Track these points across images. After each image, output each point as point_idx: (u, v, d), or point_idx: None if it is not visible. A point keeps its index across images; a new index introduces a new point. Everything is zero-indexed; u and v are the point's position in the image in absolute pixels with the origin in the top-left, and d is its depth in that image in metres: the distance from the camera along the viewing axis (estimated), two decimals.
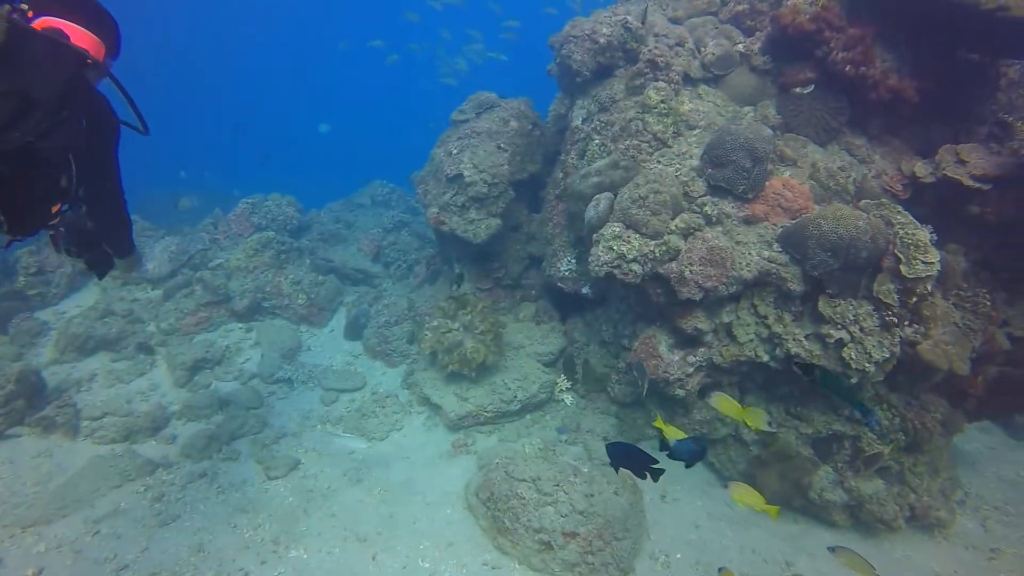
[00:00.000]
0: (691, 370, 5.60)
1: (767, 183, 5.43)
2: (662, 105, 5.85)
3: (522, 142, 7.33)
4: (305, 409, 7.15)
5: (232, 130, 11.79)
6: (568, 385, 6.82)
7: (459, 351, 6.44)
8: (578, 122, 6.71)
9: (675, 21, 6.97)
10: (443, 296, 7.80)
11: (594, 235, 5.43)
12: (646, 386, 5.45)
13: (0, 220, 2.41)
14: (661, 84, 5.93)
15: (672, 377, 5.56)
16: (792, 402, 5.96)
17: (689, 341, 5.65)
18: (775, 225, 5.40)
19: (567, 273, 6.71)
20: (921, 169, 6.11)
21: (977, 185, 5.85)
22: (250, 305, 8.37)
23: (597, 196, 5.62)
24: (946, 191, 6.08)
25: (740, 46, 6.56)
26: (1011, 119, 6.43)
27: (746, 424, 4.36)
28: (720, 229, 5.37)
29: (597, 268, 5.28)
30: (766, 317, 5.42)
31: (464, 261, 7.54)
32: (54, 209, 2.68)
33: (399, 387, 7.45)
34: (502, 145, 7.05)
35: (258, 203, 9.80)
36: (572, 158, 6.73)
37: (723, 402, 4.32)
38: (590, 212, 5.57)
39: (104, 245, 3.20)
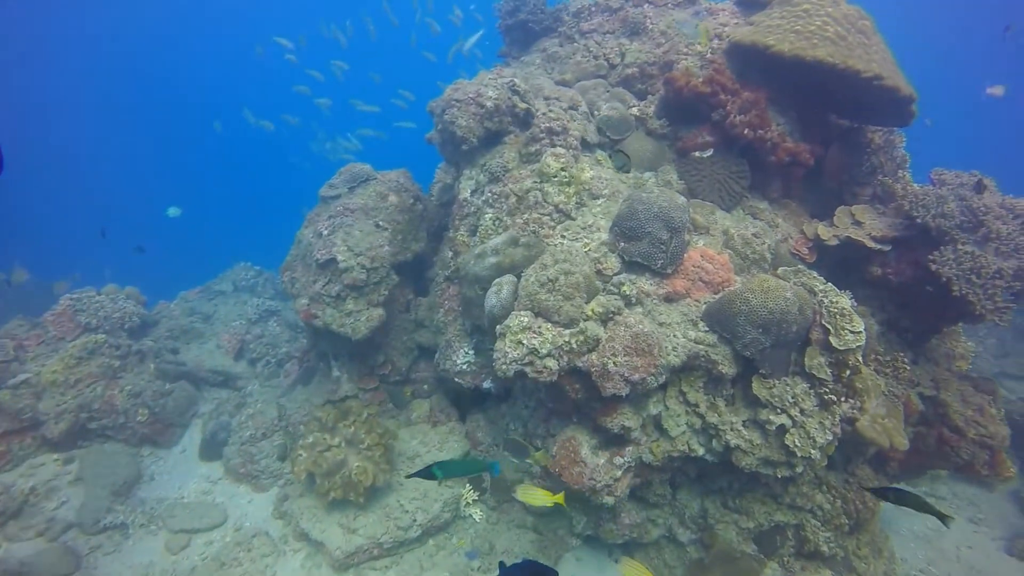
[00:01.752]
0: (619, 473, 4.82)
1: (685, 255, 4.91)
2: (562, 173, 5.25)
3: (403, 219, 6.46)
4: (143, 564, 5.57)
5: (100, 234, 10.12)
6: (475, 497, 5.81)
7: (342, 473, 5.26)
8: (467, 194, 5.97)
9: (563, 84, 6.54)
10: (319, 399, 6.58)
11: (498, 327, 4.60)
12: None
13: None
14: (560, 150, 5.35)
15: (599, 484, 4.73)
16: (730, 495, 5.35)
17: (614, 440, 4.88)
18: (698, 301, 4.86)
19: (464, 367, 5.79)
20: (824, 231, 5.94)
21: (879, 246, 5.73)
22: (69, 429, 6.65)
23: (498, 280, 4.83)
24: (848, 252, 5.93)
25: (635, 109, 6.21)
26: (890, 181, 6.50)
27: None
28: (640, 310, 4.74)
29: (504, 367, 4.43)
30: (697, 405, 4.79)
31: (342, 357, 6.41)
32: None
33: (270, 518, 6.05)
34: (381, 223, 6.14)
35: (86, 298, 8.07)
36: (462, 234, 5.94)
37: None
38: (491, 300, 4.75)
39: None
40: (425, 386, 6.73)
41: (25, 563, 5.29)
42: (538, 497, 4.38)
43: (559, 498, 4.36)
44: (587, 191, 5.37)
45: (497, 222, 5.51)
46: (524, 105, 5.80)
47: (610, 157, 5.19)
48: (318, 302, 5.87)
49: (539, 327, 4.46)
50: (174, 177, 31.23)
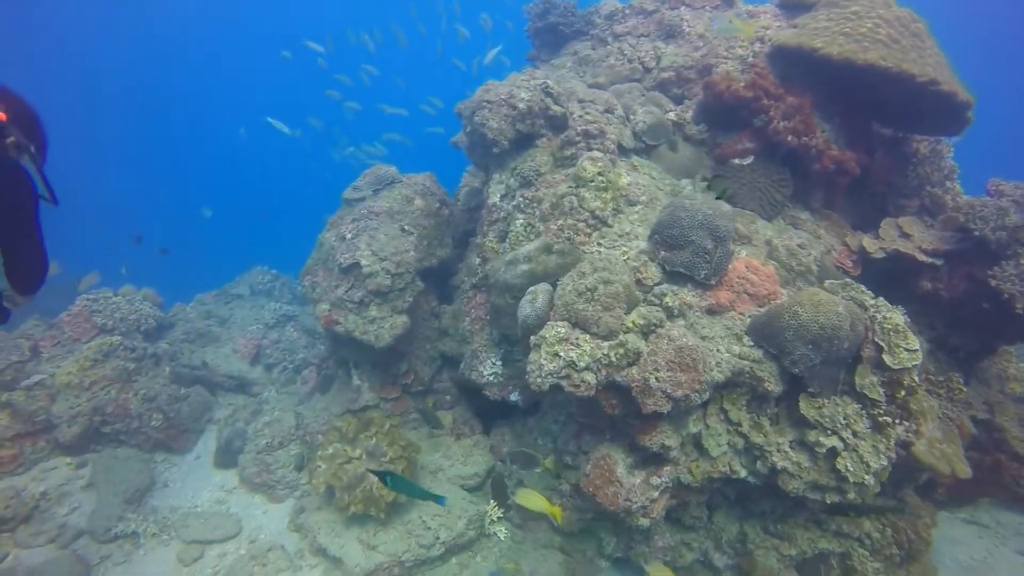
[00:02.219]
0: (656, 494, 4.55)
1: (729, 266, 4.65)
2: (600, 178, 5.02)
3: (429, 223, 6.26)
4: None
5: (136, 240, 9.95)
6: (500, 514, 5.54)
7: (363, 487, 5.03)
8: (496, 199, 5.76)
9: (596, 88, 6.32)
10: (339, 408, 6.37)
11: (532, 337, 4.36)
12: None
13: None
14: (597, 154, 5.13)
15: (635, 506, 4.46)
16: (771, 519, 5.06)
17: (651, 459, 4.62)
18: (742, 315, 4.59)
19: (491, 378, 5.56)
20: (870, 244, 5.66)
21: (930, 260, 5.45)
22: (83, 432, 6.48)
23: (532, 288, 4.60)
24: (894, 266, 5.66)
25: (671, 114, 5.98)
26: (940, 192, 6.22)
27: None
28: (682, 323, 4.48)
29: (539, 380, 4.18)
30: (740, 424, 4.52)
31: (363, 366, 6.20)
32: None
33: (285, 530, 5.83)
34: (406, 227, 5.94)
35: (103, 299, 7.94)
36: (491, 240, 5.73)
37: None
38: (525, 309, 4.51)
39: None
40: (447, 397, 6.50)
41: (34, 572, 5.10)
42: (535, 502, 4.41)
43: (556, 512, 4.51)
44: (624, 197, 5.14)
45: (529, 228, 5.28)
46: (558, 108, 5.59)
47: (707, 188, 4.95)
48: (340, 308, 5.66)
49: (577, 339, 4.21)
50: (195, 181, 31.34)
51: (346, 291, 5.60)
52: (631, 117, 5.91)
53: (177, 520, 5.94)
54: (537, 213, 5.26)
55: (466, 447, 5.90)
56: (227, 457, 6.56)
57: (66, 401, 6.56)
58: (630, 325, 4.29)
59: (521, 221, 5.39)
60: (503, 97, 5.54)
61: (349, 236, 5.80)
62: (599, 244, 4.91)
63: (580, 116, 5.38)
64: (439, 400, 6.49)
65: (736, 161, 5.71)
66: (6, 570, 5.22)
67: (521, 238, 5.33)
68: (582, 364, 4.12)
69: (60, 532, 5.67)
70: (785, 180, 5.60)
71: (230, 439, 6.58)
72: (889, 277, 5.71)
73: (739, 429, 4.53)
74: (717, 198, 4.98)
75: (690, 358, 4.12)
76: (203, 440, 7.00)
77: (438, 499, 4.04)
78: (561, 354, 4.15)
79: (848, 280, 4.98)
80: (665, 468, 4.58)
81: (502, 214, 5.65)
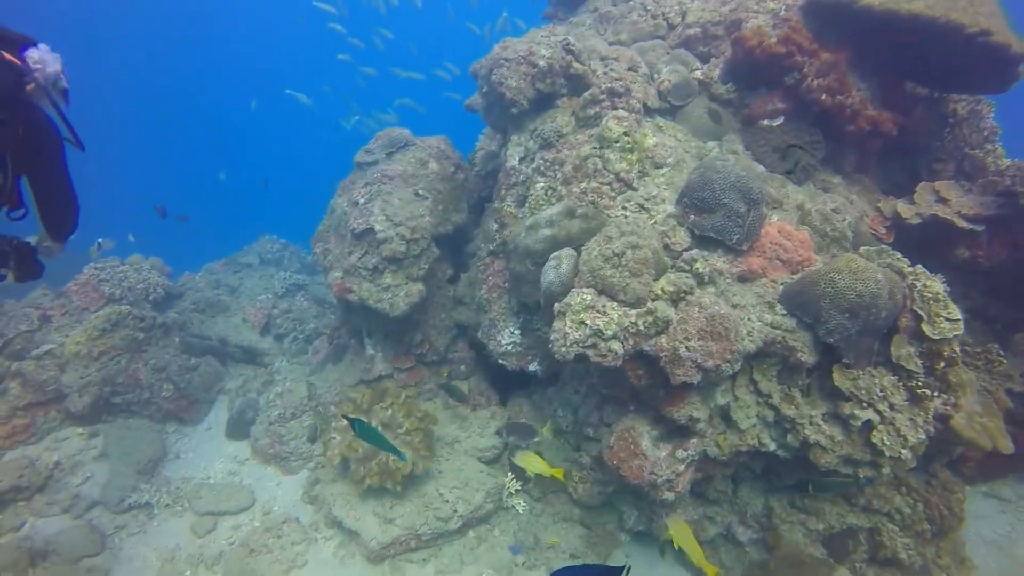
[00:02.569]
0: (682, 467, 4.40)
1: (762, 230, 4.43)
2: (625, 139, 4.77)
3: (444, 187, 6.04)
4: (168, 548, 5.31)
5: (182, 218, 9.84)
6: (518, 487, 5.43)
7: (378, 459, 4.90)
8: (515, 162, 5.52)
9: (617, 46, 6.02)
10: (352, 379, 6.24)
11: (556, 305, 4.17)
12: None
13: None
14: (623, 113, 4.87)
15: (660, 479, 4.32)
16: (798, 492, 4.92)
17: (677, 431, 4.46)
18: (775, 282, 4.38)
19: (510, 347, 5.40)
20: (905, 209, 5.40)
21: (970, 226, 5.19)
22: (94, 403, 6.39)
23: (556, 254, 4.39)
24: (930, 233, 5.40)
25: (698, 73, 5.69)
26: (981, 154, 5.92)
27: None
28: (712, 290, 4.28)
29: (564, 349, 4.01)
30: (770, 396, 4.34)
31: (376, 335, 6.05)
32: None
33: (299, 502, 5.75)
34: (420, 191, 5.72)
35: (110, 268, 7.79)
36: (509, 205, 5.51)
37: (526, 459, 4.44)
38: (549, 275, 4.31)
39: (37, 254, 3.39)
40: (463, 367, 6.35)
41: (51, 541, 5.04)
42: (536, 464, 4.38)
43: (558, 473, 4.43)
44: (650, 159, 4.89)
45: (550, 192, 5.06)
46: (580, 66, 5.31)
47: (782, 158, 4.71)
48: (353, 275, 5.49)
49: (603, 306, 4.02)
50: (205, 151, 31.00)
51: (359, 258, 5.41)
52: (655, 76, 5.63)
53: (190, 491, 5.87)
54: (559, 176, 5.02)
55: (483, 418, 5.77)
56: (239, 428, 6.47)
57: (76, 371, 6.46)
58: (659, 292, 4.09)
59: (542, 185, 5.16)
60: (522, 54, 5.27)
61: (362, 201, 5.60)
62: (624, 208, 4.68)
63: (604, 73, 5.10)
64: (454, 370, 6.34)
65: (765, 122, 5.43)
66: (24, 538, 5.17)
67: (542, 202, 5.11)
68: (609, 333, 3.94)
69: (74, 502, 5.62)
70: (817, 142, 5.33)
71: (242, 410, 6.48)
72: (923, 244, 5.45)
73: (769, 401, 4.36)
74: (789, 172, 4.76)
75: (722, 327, 3.92)
76: (214, 411, 6.91)
77: (400, 455, 4.09)
78: (587, 322, 3.97)
79: (884, 247, 4.74)
80: (691, 441, 4.42)
81: (521, 178, 5.42)
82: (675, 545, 3.98)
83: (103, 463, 6.07)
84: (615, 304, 4.06)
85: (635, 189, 4.80)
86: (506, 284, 5.45)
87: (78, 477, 5.91)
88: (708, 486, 4.92)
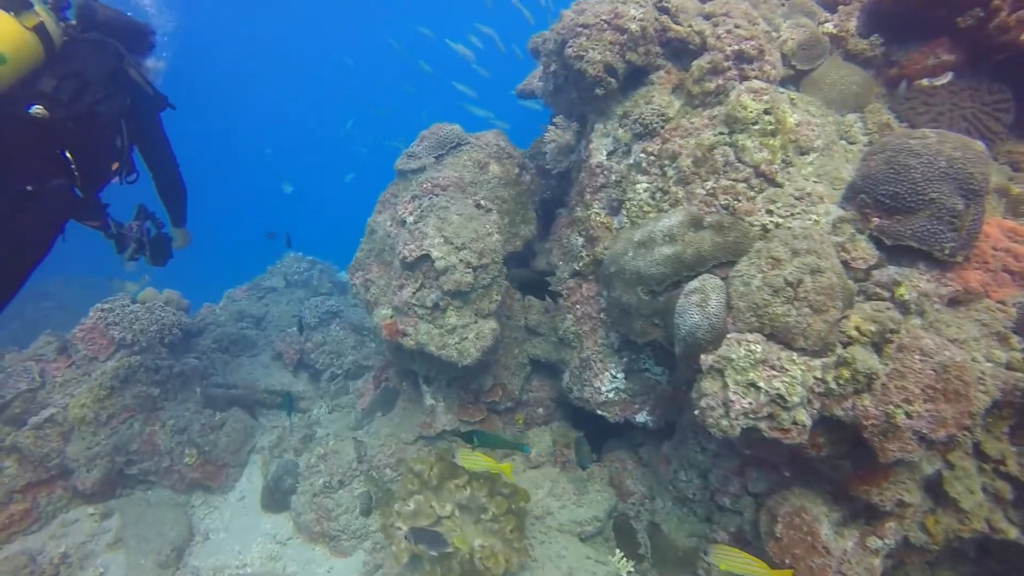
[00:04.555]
0: (876, 562, 3.21)
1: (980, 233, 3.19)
2: (766, 118, 3.54)
3: (509, 195, 4.87)
4: None
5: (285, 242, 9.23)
6: (631, 568, 4.27)
7: (460, 559, 3.77)
8: (601, 157, 4.32)
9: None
10: (408, 433, 5.13)
11: (706, 357, 2.99)
12: None
13: (74, 174, 3.30)
14: (759, 84, 3.64)
15: None
16: None
17: (866, 509, 3.26)
18: (1003, 304, 3.14)
19: (611, 395, 4.24)
20: None
21: None
22: (105, 477, 5.39)
23: (696, 285, 3.19)
24: None
25: (828, 25, 4.43)
26: None
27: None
28: (918, 323, 3.05)
29: (726, 423, 2.83)
30: (1003, 460, 3.12)
31: (437, 381, 4.92)
32: (113, 166, 3.79)
33: None
34: (483, 202, 4.54)
35: (119, 308, 6.74)
36: (597, 213, 4.32)
37: None
38: (691, 316, 3.10)
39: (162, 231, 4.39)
40: (540, 409, 5.20)
41: None
42: (480, 463, 3.77)
43: (505, 468, 3.85)
44: (793, 144, 3.65)
45: (659, 195, 3.85)
46: (679, 27, 4.09)
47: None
48: (407, 314, 4.34)
49: (779, 359, 2.82)
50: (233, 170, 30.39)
51: (414, 292, 4.26)
52: (773, 35, 4.37)
53: None
54: (670, 174, 3.81)
55: (577, 480, 4.61)
56: (277, 498, 5.40)
57: (82, 440, 5.45)
58: (853, 333, 2.88)
59: (644, 185, 3.96)
60: (605, 18, 4.05)
61: (411, 219, 4.44)
62: (770, 212, 3.46)
63: (727, 33, 3.85)
64: (530, 414, 5.20)
65: (925, 82, 4.16)
66: None
67: (647, 209, 3.91)
68: (794, 399, 2.74)
69: None
70: (1004, 101, 4.04)
71: (279, 476, 5.41)
72: None
73: (1001, 468, 3.14)
74: None
75: (959, 381, 2.70)
76: (246, 475, 5.85)
77: (522, 447, 4.00)
78: (761, 384, 2.77)
79: None
80: (888, 524, 3.22)
81: (613, 177, 4.22)
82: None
83: (119, 552, 5.06)
84: (793, 354, 2.86)
85: (780, 185, 3.57)
86: (602, 315, 4.27)
87: (89, 572, 4.91)
88: (896, 573, 3.72)
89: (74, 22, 3.54)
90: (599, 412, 4.35)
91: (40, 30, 3.14)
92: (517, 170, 5.03)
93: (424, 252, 4.18)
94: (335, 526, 4.94)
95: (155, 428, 5.66)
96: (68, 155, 3.26)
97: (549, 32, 4.67)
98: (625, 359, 4.22)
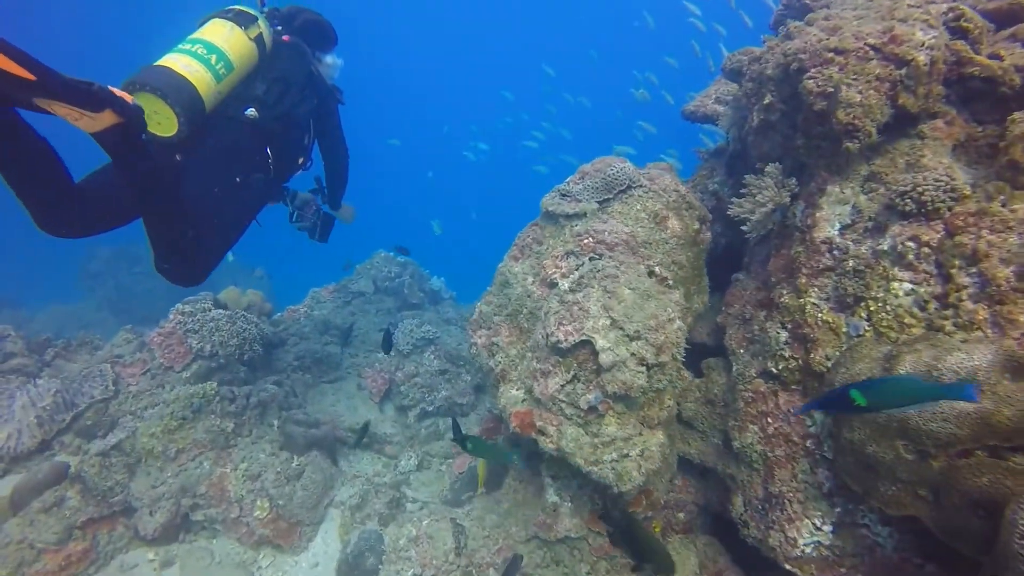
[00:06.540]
0: None
1: None
2: None
3: (687, 259, 3.79)
4: None
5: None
6: None
7: None
8: (831, 231, 3.20)
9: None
10: (520, 529, 4.20)
11: None
12: None
13: (269, 164, 3.59)
14: None
15: None
16: None
17: None
18: None
19: (810, 549, 3.15)
20: None
21: None
22: (168, 522, 4.73)
23: None
24: None
25: None
26: None
27: None
28: None
29: None
30: None
31: (565, 477, 3.95)
32: (300, 161, 4.06)
33: None
34: (657, 269, 3.49)
35: (200, 313, 6.09)
36: (816, 307, 3.20)
37: None
38: None
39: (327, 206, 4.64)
40: (681, 514, 4.18)
41: None
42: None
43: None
44: None
45: (935, 307, 2.70)
46: (988, 63, 2.89)
47: None
48: (550, 410, 3.37)
49: None
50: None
51: (563, 385, 3.27)
52: None
53: None
54: (963, 281, 2.65)
55: None
56: (356, 575, 4.60)
57: (148, 477, 4.82)
58: None
59: (908, 286, 2.81)
60: (873, 42, 2.90)
61: (566, 285, 3.43)
62: None
63: None
64: (668, 516, 4.18)
65: None
66: None
67: (909, 321, 2.77)
68: None
69: None
70: None
71: (360, 552, 4.60)
72: None
73: None
74: None
75: None
76: (321, 535, 5.08)
77: (510, 455, 3.77)
78: None
79: None
80: None
81: (850, 263, 3.08)
82: None
83: None
84: None
85: None
86: (809, 443, 3.18)
87: None
88: None
89: (279, 27, 3.78)
90: (788, 567, 3.27)
91: (259, 40, 3.42)
92: (697, 225, 3.92)
93: (585, 338, 3.18)
94: None
95: (226, 471, 4.96)
96: (269, 151, 3.57)
97: (764, 50, 3.55)
98: (838, 509, 3.11)
